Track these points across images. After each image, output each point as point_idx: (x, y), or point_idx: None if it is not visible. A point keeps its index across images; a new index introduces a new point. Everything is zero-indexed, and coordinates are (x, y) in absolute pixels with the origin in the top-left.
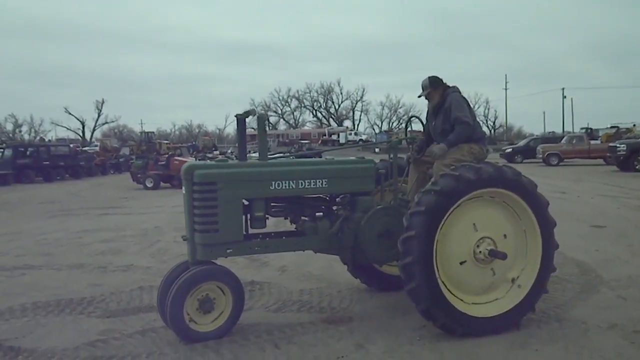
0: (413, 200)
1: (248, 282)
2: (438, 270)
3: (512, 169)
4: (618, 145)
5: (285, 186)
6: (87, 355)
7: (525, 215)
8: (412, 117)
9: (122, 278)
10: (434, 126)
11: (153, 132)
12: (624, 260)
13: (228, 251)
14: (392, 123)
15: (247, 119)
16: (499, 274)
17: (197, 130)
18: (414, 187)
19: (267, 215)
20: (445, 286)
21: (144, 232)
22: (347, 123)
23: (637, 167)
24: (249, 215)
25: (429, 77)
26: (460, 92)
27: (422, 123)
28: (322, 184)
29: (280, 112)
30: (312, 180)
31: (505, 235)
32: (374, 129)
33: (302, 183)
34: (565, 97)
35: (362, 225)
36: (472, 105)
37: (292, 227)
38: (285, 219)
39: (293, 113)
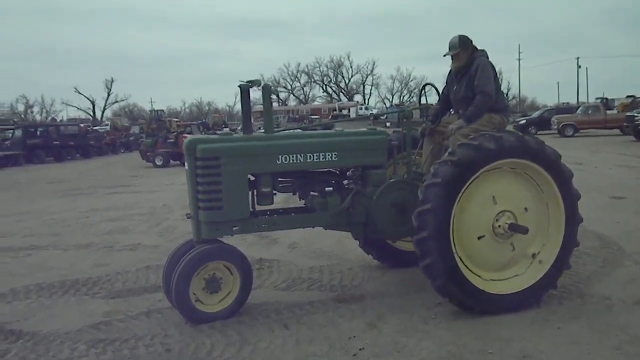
0: (428, 172)
1: (257, 260)
2: (455, 246)
3: (535, 138)
4: (636, 114)
5: (293, 160)
6: (90, 338)
7: (548, 187)
8: (426, 84)
9: (129, 257)
10: (454, 91)
11: (163, 110)
12: None
13: (234, 229)
14: (403, 97)
15: (251, 89)
16: (519, 249)
17: (207, 108)
18: (429, 159)
19: (274, 191)
20: (462, 262)
21: (152, 211)
22: (358, 97)
23: None
24: (255, 191)
25: (459, 36)
26: (488, 57)
27: (437, 91)
28: (331, 157)
29: (290, 87)
30: (321, 154)
31: (526, 209)
32: (384, 103)
33: (310, 156)
34: (580, 66)
35: (375, 200)
36: (497, 73)
37: (301, 203)
38: (293, 194)
39: (303, 88)
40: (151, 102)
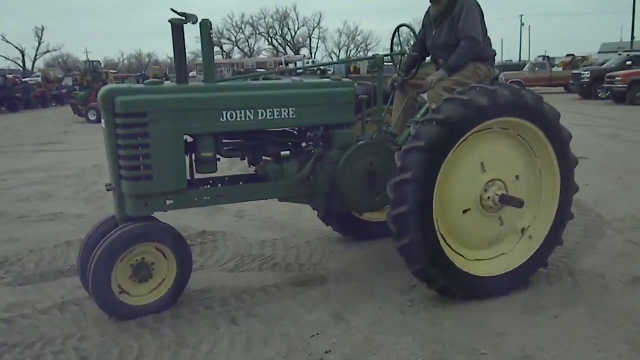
0: (400, 132)
1: (198, 233)
2: (437, 222)
3: (532, 92)
4: (582, 72)
5: (241, 117)
6: None
7: (544, 151)
8: (401, 25)
9: (47, 230)
10: (433, 37)
11: (99, 61)
12: (619, 195)
13: (167, 203)
14: (350, 51)
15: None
16: (508, 224)
17: (147, 60)
18: (401, 116)
19: (217, 156)
20: (444, 240)
21: (81, 172)
22: (304, 51)
23: (599, 94)
24: (193, 156)
25: None
26: None
27: (414, 34)
28: (288, 113)
29: (234, 39)
30: (275, 109)
31: (517, 177)
32: (331, 57)
33: (262, 113)
34: (523, 24)
35: (340, 165)
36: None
37: (251, 170)
38: (241, 159)
39: (247, 40)
40: (86, 52)
